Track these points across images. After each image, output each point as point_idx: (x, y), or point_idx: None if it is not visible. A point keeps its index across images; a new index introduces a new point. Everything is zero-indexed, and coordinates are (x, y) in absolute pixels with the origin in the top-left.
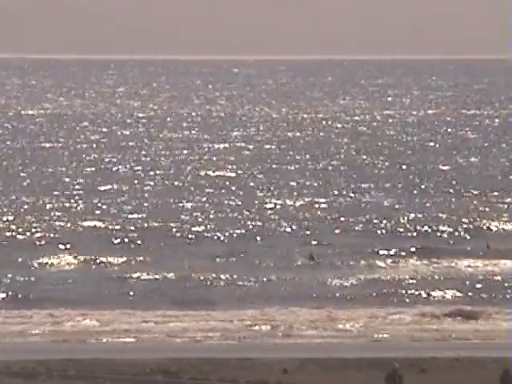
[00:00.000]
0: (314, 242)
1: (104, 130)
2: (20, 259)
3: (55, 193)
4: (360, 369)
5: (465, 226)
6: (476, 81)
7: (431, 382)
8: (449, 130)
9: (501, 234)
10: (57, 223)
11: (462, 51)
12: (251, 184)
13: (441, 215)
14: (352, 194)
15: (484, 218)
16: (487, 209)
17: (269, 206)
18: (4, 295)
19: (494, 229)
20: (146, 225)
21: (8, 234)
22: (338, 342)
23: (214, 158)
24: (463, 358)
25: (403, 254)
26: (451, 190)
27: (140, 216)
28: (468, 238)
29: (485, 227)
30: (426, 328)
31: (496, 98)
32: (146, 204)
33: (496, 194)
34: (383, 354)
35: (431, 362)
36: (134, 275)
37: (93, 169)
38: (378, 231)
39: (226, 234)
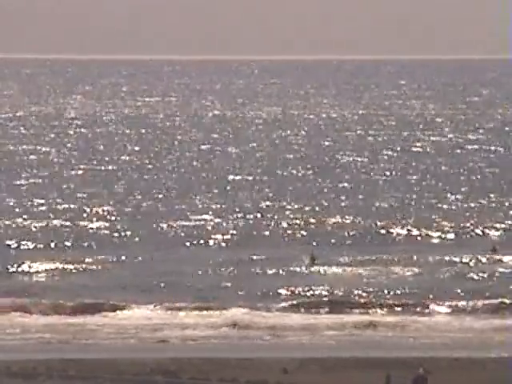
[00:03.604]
0: (316, 244)
1: (103, 130)
2: (17, 260)
3: (54, 194)
4: (360, 369)
5: (470, 228)
6: (476, 81)
7: (431, 382)
8: (450, 130)
9: (509, 237)
10: (64, 224)
11: (461, 51)
12: (249, 185)
13: (443, 216)
14: (353, 195)
15: (491, 220)
16: (493, 211)
17: (270, 207)
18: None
19: (502, 232)
20: (145, 226)
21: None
22: (336, 342)
23: (214, 160)
24: (463, 358)
25: (402, 255)
26: (452, 191)
27: (139, 217)
28: (473, 240)
29: (492, 230)
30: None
31: (496, 98)
32: (144, 205)
33: (500, 195)
34: (383, 353)
35: (431, 362)
36: (134, 275)
37: (91, 169)
38: (379, 232)
39: (226, 235)
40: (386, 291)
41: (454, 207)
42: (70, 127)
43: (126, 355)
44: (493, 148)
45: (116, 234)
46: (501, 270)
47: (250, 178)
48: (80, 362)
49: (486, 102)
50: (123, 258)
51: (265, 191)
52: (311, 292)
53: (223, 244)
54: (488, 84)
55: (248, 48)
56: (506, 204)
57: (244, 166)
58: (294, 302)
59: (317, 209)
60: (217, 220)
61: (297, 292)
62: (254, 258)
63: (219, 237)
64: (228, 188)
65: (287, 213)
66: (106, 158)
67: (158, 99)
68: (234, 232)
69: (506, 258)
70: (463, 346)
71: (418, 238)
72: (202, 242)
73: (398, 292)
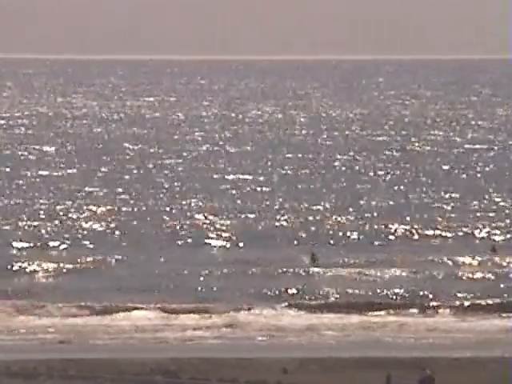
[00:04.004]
0: (316, 244)
1: (103, 130)
2: (16, 261)
3: (54, 194)
4: (360, 369)
5: (470, 228)
6: (476, 81)
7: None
8: (449, 130)
9: (509, 237)
10: (63, 224)
11: (461, 51)
12: (249, 185)
13: (443, 216)
14: (353, 195)
15: (491, 220)
16: (494, 210)
17: (269, 207)
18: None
19: (502, 231)
20: (146, 226)
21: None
22: (336, 342)
23: (213, 160)
24: (463, 358)
25: (403, 255)
26: (452, 191)
27: (139, 217)
28: (473, 239)
29: (492, 230)
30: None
31: (496, 98)
32: (144, 205)
33: (500, 195)
34: (383, 353)
35: (431, 362)
36: (133, 276)
37: (90, 169)
38: (379, 233)
39: (226, 235)
40: (386, 291)
41: (454, 207)
42: (69, 127)
43: (126, 355)
44: (493, 148)
45: (115, 235)
46: (501, 269)
47: (250, 177)
48: (80, 362)
49: (485, 101)
50: (122, 258)
51: (265, 191)
52: (311, 292)
53: (223, 244)
54: (488, 84)
55: (248, 48)
56: (507, 204)
57: (244, 166)
58: (294, 302)
59: (317, 209)
60: (216, 220)
61: (297, 292)
62: (254, 257)
63: (219, 237)
64: (228, 188)
65: (287, 213)
66: (106, 158)
67: (157, 99)
68: (234, 232)
69: (506, 258)
70: (463, 345)
71: (419, 238)
72: (201, 241)
73: (398, 292)
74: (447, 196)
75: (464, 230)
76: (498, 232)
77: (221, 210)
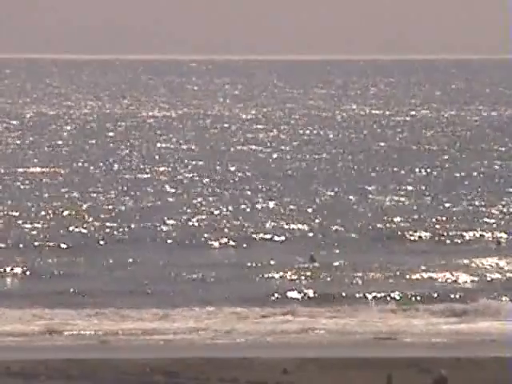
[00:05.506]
0: (315, 245)
1: (102, 129)
2: (13, 263)
3: (51, 194)
4: (360, 369)
5: (471, 228)
6: (476, 81)
7: (428, 381)
8: (449, 130)
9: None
10: (63, 224)
11: (461, 51)
12: (249, 186)
13: (444, 216)
14: (353, 195)
15: (494, 221)
16: (494, 210)
17: (268, 207)
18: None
19: (504, 229)
20: (144, 228)
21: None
22: (337, 342)
23: (213, 160)
24: (463, 357)
25: (402, 256)
26: (453, 190)
27: (136, 220)
28: (473, 240)
29: (496, 224)
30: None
31: (496, 98)
32: (141, 207)
33: (500, 194)
34: (384, 353)
35: (431, 362)
36: (133, 278)
37: (88, 170)
38: (379, 233)
39: (225, 236)
40: (385, 292)
41: (454, 207)
42: (68, 127)
43: (126, 355)
44: (493, 147)
45: (113, 236)
46: (502, 270)
47: (249, 177)
48: (80, 362)
49: (486, 101)
50: (121, 260)
51: (264, 191)
52: (310, 293)
53: (222, 245)
54: (488, 84)
55: (248, 48)
56: (506, 203)
57: (243, 166)
58: (294, 303)
59: (316, 209)
60: (215, 221)
61: (296, 293)
62: (253, 259)
63: (217, 238)
64: (227, 188)
65: (287, 213)
66: (104, 158)
67: (157, 99)
68: (233, 233)
69: (508, 259)
70: (463, 346)
71: (418, 238)
72: (199, 243)
73: (398, 292)
74: (447, 196)
75: (465, 229)
76: (502, 230)
77: (219, 210)
